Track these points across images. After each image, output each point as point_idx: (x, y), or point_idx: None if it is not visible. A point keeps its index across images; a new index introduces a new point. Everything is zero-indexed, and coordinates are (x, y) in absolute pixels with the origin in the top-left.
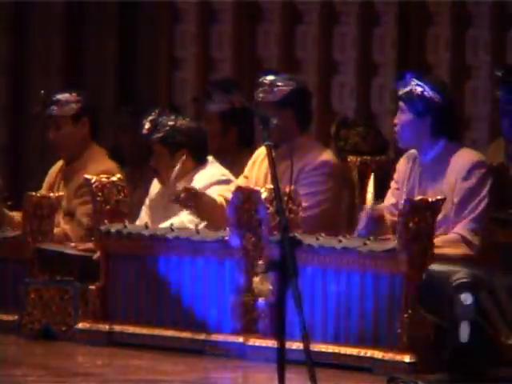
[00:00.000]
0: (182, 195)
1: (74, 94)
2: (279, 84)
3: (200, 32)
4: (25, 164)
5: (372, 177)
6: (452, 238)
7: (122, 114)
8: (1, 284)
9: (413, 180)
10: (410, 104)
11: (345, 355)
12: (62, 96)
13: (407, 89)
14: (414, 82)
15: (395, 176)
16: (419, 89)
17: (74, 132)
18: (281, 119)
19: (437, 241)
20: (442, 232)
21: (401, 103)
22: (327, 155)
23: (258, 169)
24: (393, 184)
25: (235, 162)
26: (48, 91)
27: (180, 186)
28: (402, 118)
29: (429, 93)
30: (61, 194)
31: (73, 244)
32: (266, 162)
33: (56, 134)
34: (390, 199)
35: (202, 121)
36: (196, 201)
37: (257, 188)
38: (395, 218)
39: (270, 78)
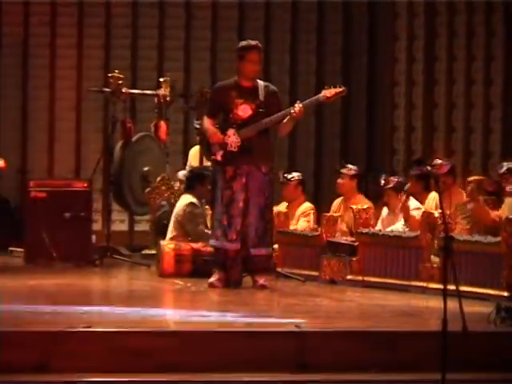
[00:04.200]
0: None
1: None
2: (445, 164)
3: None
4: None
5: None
6: None
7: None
8: (307, 258)
9: None
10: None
11: (476, 292)
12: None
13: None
14: None
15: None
16: None
17: (352, 184)
18: (447, 179)
19: None
20: None
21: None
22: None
23: (432, 201)
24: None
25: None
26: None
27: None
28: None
29: None
30: (339, 214)
31: (344, 238)
32: (437, 198)
33: (344, 184)
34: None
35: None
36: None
37: (432, 211)
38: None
39: (438, 161)
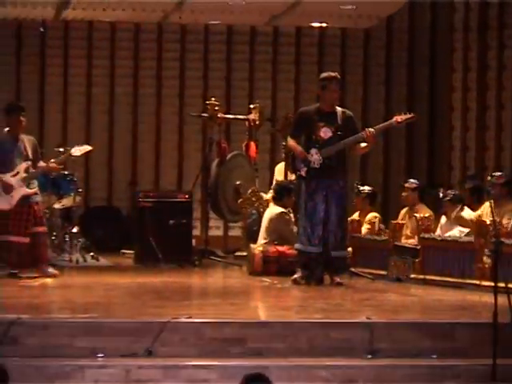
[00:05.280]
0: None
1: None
2: (503, 176)
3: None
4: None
5: None
6: None
7: (428, 191)
8: (377, 260)
9: None
10: None
11: None
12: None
13: None
14: None
15: None
16: None
17: (414, 196)
18: (502, 190)
19: None
20: None
21: None
22: None
23: (487, 209)
24: None
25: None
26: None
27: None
28: None
29: None
30: (404, 222)
31: (408, 242)
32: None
33: (408, 196)
34: None
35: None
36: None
37: (485, 219)
38: None
39: (498, 173)
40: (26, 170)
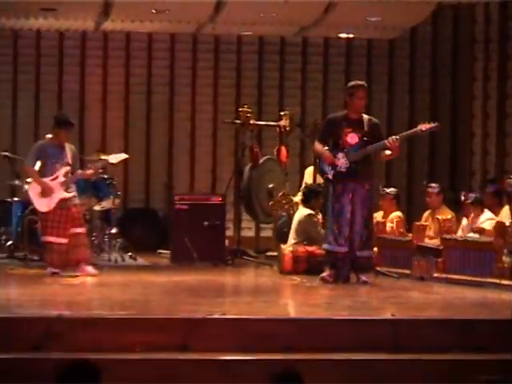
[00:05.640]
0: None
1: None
2: None
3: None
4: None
5: None
6: None
7: (448, 194)
8: (401, 259)
9: None
10: None
11: None
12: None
13: None
14: None
15: None
16: None
17: (438, 199)
18: None
19: None
20: None
21: None
22: None
23: (507, 212)
24: None
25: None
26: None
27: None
28: None
29: None
30: (426, 223)
31: (432, 240)
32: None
33: (432, 200)
34: None
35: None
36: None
37: (503, 220)
38: None
39: None
40: (65, 175)
